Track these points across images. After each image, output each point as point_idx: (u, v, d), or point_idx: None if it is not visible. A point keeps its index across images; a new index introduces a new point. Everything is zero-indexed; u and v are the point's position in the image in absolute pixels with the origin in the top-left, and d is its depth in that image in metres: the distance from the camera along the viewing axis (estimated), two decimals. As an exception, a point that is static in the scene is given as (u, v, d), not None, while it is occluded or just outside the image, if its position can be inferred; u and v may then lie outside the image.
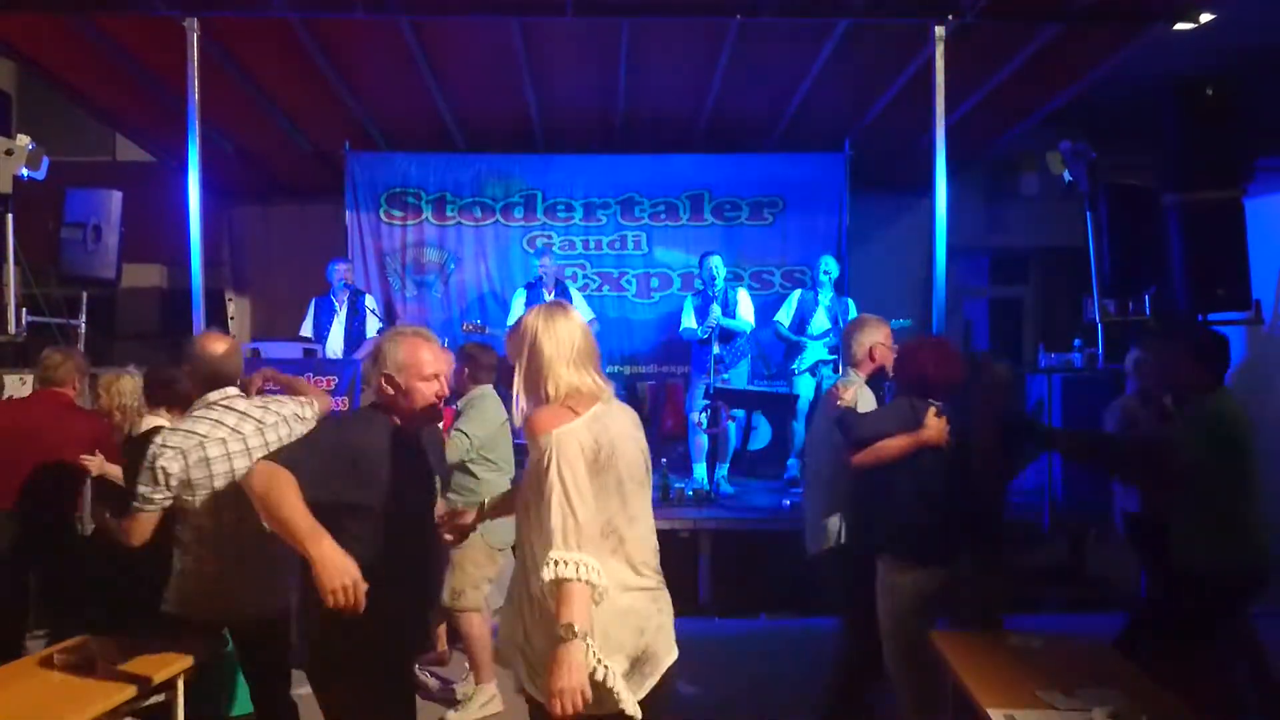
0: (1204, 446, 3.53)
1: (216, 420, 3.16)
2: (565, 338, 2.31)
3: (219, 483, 3.10)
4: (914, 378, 3.62)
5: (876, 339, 3.98)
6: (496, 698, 4.32)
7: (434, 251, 8.53)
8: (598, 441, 2.25)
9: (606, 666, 2.15)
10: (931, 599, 3.45)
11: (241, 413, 3.21)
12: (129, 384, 4.58)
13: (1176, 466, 3.59)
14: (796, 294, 7.24)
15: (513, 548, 2.65)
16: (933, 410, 3.48)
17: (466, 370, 4.41)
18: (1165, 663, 3.32)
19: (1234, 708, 3.73)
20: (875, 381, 3.98)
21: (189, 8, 5.65)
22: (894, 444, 3.46)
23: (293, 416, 3.33)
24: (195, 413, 3.19)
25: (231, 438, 3.15)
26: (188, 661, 3.09)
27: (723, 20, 5.86)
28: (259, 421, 3.22)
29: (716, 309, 6.78)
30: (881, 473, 3.51)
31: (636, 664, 2.28)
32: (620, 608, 2.28)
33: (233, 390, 3.27)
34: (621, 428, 2.36)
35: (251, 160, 8.71)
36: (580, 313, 2.37)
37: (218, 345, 3.28)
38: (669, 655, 2.39)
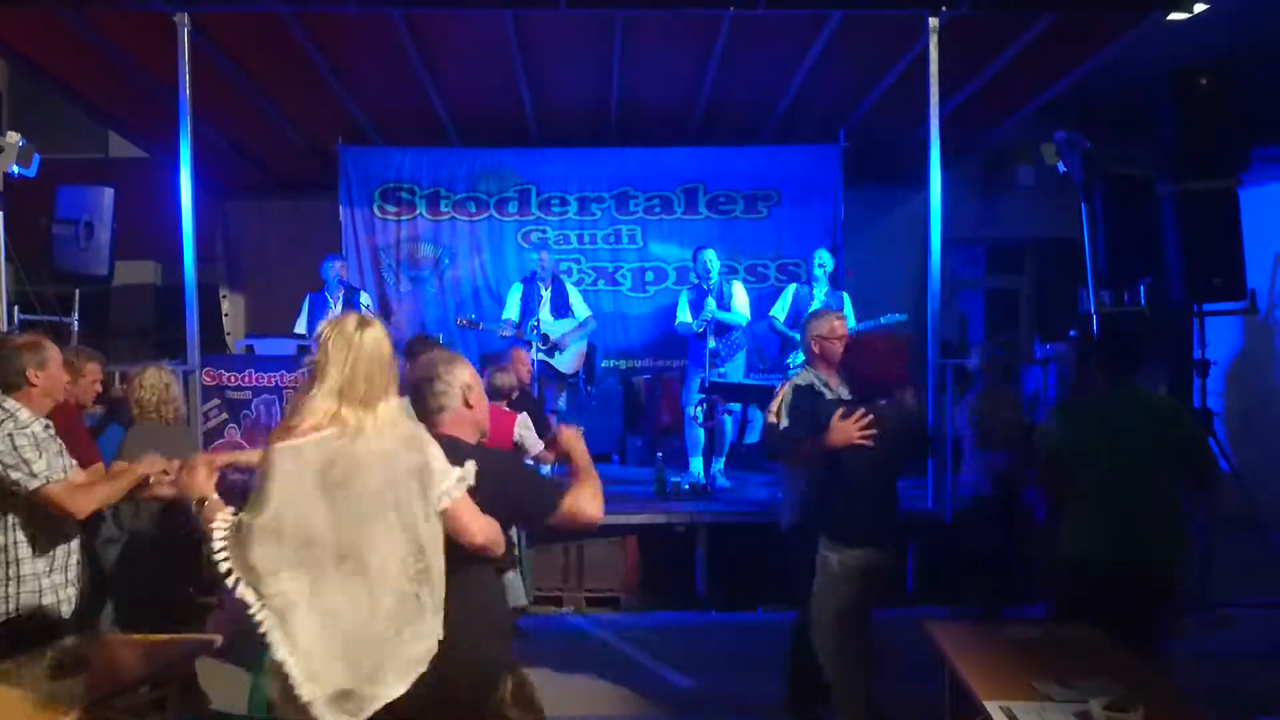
0: (1061, 440, 3.62)
1: None
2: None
3: None
4: (857, 372, 3.79)
5: (818, 331, 4.07)
6: None
7: (428, 246, 8.51)
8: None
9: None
10: (857, 577, 3.62)
11: None
12: (151, 378, 4.42)
13: (1041, 458, 3.74)
14: (792, 288, 7.23)
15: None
16: (837, 414, 3.57)
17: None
18: None
19: None
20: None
21: (180, 2, 5.63)
22: (805, 452, 3.70)
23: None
24: None
25: None
26: (184, 658, 3.09)
27: (716, 12, 5.85)
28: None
29: (711, 303, 6.77)
30: (822, 465, 3.70)
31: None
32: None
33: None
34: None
35: (245, 156, 8.68)
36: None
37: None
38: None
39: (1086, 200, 5.94)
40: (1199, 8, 5.95)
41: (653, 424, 8.21)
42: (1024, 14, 5.90)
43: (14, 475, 3.13)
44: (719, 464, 6.95)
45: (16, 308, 5.81)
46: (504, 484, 2.51)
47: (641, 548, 6.03)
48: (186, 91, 5.77)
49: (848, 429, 3.54)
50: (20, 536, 3.22)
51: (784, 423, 3.87)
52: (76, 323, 6.32)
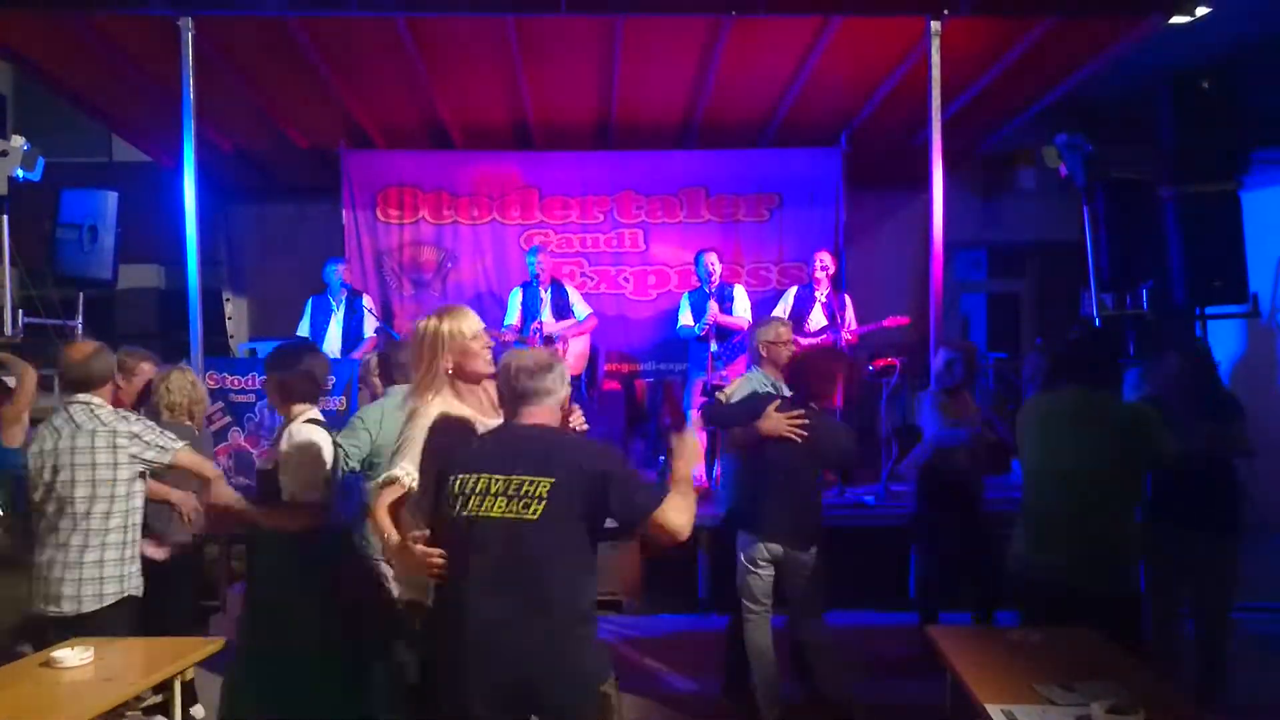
0: (1017, 439, 3.76)
1: (68, 417, 3.45)
2: None
3: (45, 475, 3.40)
4: (797, 381, 4.11)
5: (766, 338, 4.39)
6: None
7: (431, 250, 8.51)
8: None
9: None
10: (766, 568, 4.04)
11: (87, 417, 3.44)
12: (177, 380, 4.35)
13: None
14: (793, 291, 7.24)
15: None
16: (773, 405, 3.90)
17: (384, 372, 4.26)
18: None
19: None
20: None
21: (184, 6, 5.65)
22: (737, 432, 4.05)
23: (128, 434, 3.45)
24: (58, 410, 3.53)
25: (65, 431, 3.42)
26: (187, 661, 3.10)
27: (717, 15, 5.86)
28: (90, 430, 3.41)
29: (713, 306, 6.77)
30: (750, 456, 4.06)
31: None
32: None
33: (83, 396, 3.49)
34: None
35: (248, 160, 8.70)
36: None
37: (78, 351, 3.54)
38: None
39: (1088, 203, 5.94)
40: (1200, 11, 5.96)
41: (654, 427, 8.21)
42: (1025, 17, 5.91)
43: (160, 444, 3.50)
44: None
45: (21, 311, 5.82)
46: (596, 481, 2.46)
47: (644, 551, 6.03)
48: (190, 95, 5.79)
49: (779, 420, 3.87)
50: (139, 520, 3.56)
51: (732, 399, 4.33)
52: (80, 326, 6.32)
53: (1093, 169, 5.89)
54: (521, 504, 2.41)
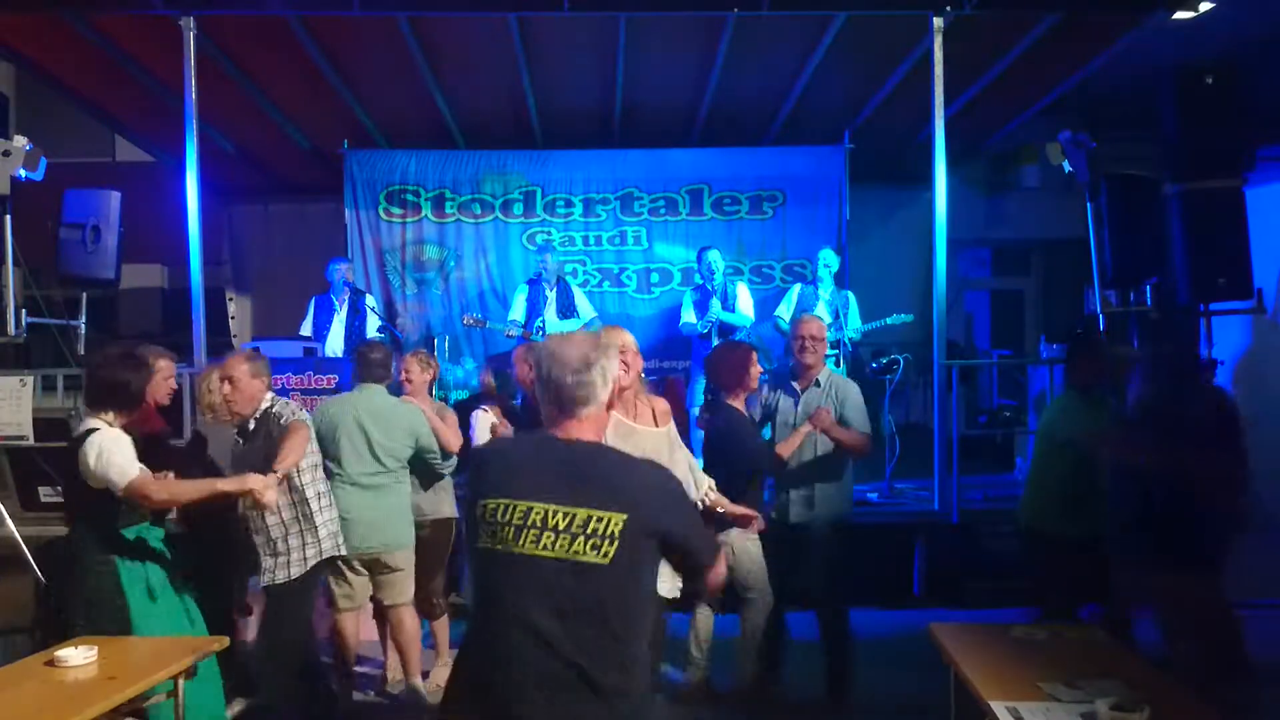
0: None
1: None
2: None
3: None
4: (711, 378, 4.56)
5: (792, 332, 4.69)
6: None
7: (434, 249, 8.52)
8: None
9: None
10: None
11: None
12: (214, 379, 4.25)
13: None
14: (796, 288, 7.23)
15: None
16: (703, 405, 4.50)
17: (357, 370, 4.46)
18: None
19: None
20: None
21: (185, 6, 5.65)
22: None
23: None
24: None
25: None
26: (188, 661, 3.09)
27: (720, 14, 5.85)
28: None
29: (716, 303, 6.77)
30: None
31: None
32: None
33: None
34: None
35: (250, 159, 8.71)
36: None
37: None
38: None
39: (1092, 200, 5.92)
40: (1204, 6, 5.93)
41: (658, 425, 8.20)
42: (1029, 14, 5.90)
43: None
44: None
45: (24, 311, 5.82)
46: (673, 528, 2.06)
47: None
48: (192, 95, 5.80)
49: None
50: (310, 494, 3.95)
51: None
52: (84, 326, 6.32)
53: (1096, 165, 5.87)
54: (589, 544, 1.93)
